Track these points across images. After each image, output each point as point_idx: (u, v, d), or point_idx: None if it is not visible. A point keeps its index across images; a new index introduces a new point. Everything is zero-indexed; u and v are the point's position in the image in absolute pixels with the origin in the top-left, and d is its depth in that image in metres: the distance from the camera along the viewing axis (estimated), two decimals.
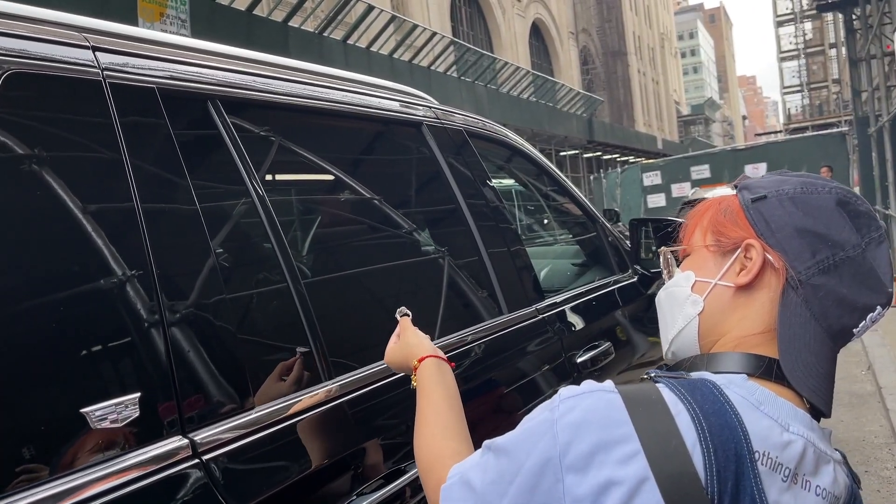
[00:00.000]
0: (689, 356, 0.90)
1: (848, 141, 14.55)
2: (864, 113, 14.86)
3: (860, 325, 0.83)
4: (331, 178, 1.68)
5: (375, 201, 1.74)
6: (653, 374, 0.82)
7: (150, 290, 1.00)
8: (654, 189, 16.12)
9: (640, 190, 16.45)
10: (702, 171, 15.43)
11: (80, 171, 1.01)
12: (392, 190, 1.83)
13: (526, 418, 0.82)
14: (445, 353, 1.54)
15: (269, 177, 1.44)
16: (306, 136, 1.60)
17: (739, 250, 0.86)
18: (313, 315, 1.27)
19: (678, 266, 0.96)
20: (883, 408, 4.93)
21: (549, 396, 0.82)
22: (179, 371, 0.99)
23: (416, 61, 18.19)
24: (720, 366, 0.83)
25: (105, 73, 1.10)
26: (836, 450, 0.86)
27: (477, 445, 0.88)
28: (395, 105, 1.84)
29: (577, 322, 2.22)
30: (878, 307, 0.83)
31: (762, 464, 0.73)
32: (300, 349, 1.23)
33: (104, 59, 1.11)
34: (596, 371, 2.08)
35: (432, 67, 18.95)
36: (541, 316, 1.98)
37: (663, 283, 0.97)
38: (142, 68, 1.17)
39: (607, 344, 2.18)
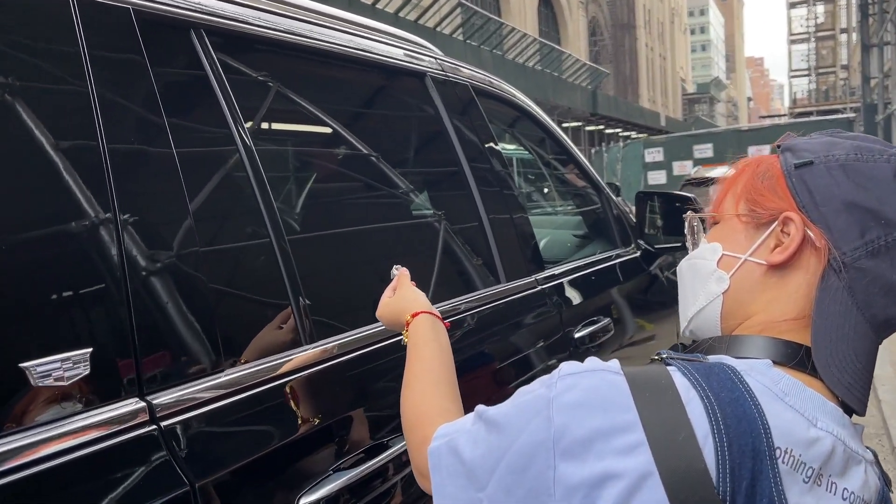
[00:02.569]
0: (709, 337, 0.80)
1: (853, 127, 14.42)
2: (872, 100, 14.69)
3: None
4: (324, 127, 1.55)
5: (370, 156, 1.62)
6: (664, 356, 0.71)
7: (110, 233, 0.88)
8: (656, 166, 16.00)
9: (641, 166, 16.33)
10: (705, 150, 15.31)
11: (39, 102, 0.89)
12: (389, 144, 1.70)
13: (521, 390, 0.73)
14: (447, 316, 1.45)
15: (254, 121, 1.32)
16: (299, 79, 1.47)
17: (776, 223, 0.75)
18: (296, 273, 1.16)
19: (705, 234, 0.85)
20: (875, 398, 4.88)
21: (544, 372, 0.72)
22: (140, 325, 0.88)
23: (421, 22, 17.84)
24: (743, 350, 0.73)
25: None
26: (868, 448, 0.76)
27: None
28: (399, 52, 1.71)
29: (577, 296, 2.12)
30: None
31: (783, 462, 0.63)
32: (281, 308, 1.13)
33: None
34: (594, 347, 1.98)
35: (438, 29, 18.61)
36: (540, 287, 1.87)
37: (686, 255, 0.87)
38: None
39: (606, 320, 2.08)
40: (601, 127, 33.39)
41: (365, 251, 1.48)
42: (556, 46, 28.50)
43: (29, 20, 0.91)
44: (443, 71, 1.86)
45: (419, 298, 1.10)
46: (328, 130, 1.56)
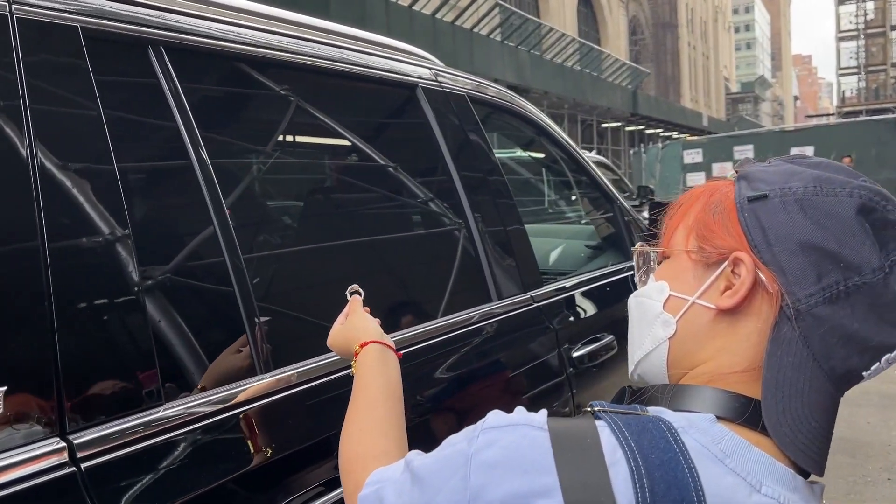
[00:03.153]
0: (651, 385, 0.73)
1: None
2: None
3: (872, 368, 0.65)
4: (302, 139, 1.51)
5: (354, 169, 1.58)
6: (596, 408, 0.65)
7: (34, 256, 0.85)
8: (695, 167, 15.68)
9: (679, 167, 16.03)
10: (745, 151, 14.95)
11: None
12: (373, 157, 1.65)
13: (448, 440, 0.68)
14: (421, 341, 1.40)
15: (219, 135, 1.28)
16: (277, 96, 1.43)
17: (726, 264, 0.68)
18: (252, 295, 1.12)
19: (655, 269, 0.79)
20: None
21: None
22: (64, 358, 0.84)
23: (458, 23, 17.79)
24: (686, 402, 0.66)
25: (14, 6, 0.94)
26: None
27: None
28: (386, 63, 1.66)
29: (579, 311, 2.05)
30: None
31: None
32: (234, 334, 1.08)
33: None
34: (594, 367, 1.91)
35: (475, 30, 18.54)
36: (535, 304, 1.80)
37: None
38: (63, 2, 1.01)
39: (610, 337, 2.00)
40: (641, 127, 32.95)
41: (337, 271, 1.43)
42: (596, 46, 28.22)
43: None
44: (436, 81, 1.80)
45: (369, 326, 1.05)
46: (307, 143, 1.53)
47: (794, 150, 13.72)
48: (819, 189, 0.66)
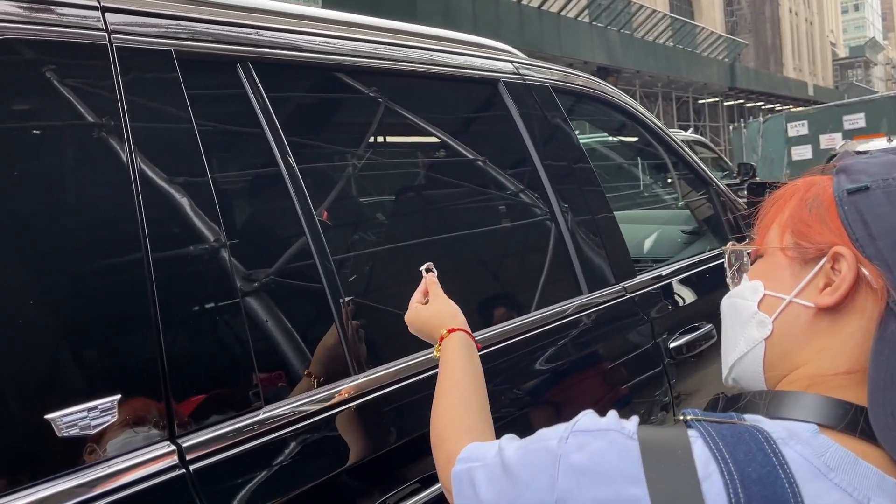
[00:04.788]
0: (754, 388, 0.71)
1: None
2: None
3: None
4: (388, 144, 1.54)
5: (438, 167, 1.59)
6: (689, 416, 0.63)
7: (139, 267, 0.90)
8: (800, 140, 14.87)
9: (783, 141, 15.25)
10: (856, 120, 14.06)
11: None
12: (460, 155, 1.67)
13: (539, 434, 0.68)
14: (510, 337, 1.41)
15: (310, 142, 1.32)
16: (360, 101, 1.47)
17: (825, 259, 0.66)
18: (342, 294, 1.15)
19: (749, 268, 0.76)
20: None
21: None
22: (171, 365, 0.89)
23: (545, 7, 17.55)
24: (785, 409, 0.64)
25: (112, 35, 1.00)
26: None
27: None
28: (465, 60, 1.66)
29: (676, 300, 2.00)
30: None
31: None
32: (325, 336, 1.12)
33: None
34: (692, 358, 1.86)
35: (562, 13, 18.23)
36: (629, 295, 1.77)
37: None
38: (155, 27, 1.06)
39: (709, 326, 1.94)
40: (741, 101, 31.58)
41: (434, 261, 1.45)
42: (689, 20, 27.22)
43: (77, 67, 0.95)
44: (518, 74, 1.80)
45: (457, 314, 1.06)
46: (395, 143, 1.55)
47: None
48: None
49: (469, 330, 1.03)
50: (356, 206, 1.64)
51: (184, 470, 0.86)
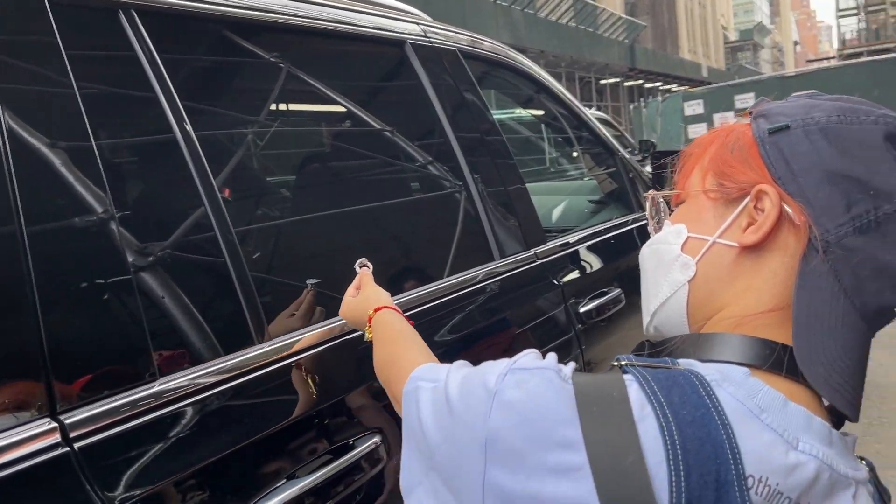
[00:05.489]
0: (676, 335, 0.69)
1: None
2: None
3: None
4: (288, 106, 1.47)
5: (343, 132, 1.53)
6: (624, 361, 0.62)
7: (12, 242, 0.81)
8: (696, 119, 15.47)
9: (680, 119, 15.84)
10: (746, 99, 14.72)
11: None
12: (364, 118, 1.61)
13: (484, 366, 0.66)
14: (426, 302, 1.38)
15: (205, 104, 1.24)
16: (261, 60, 1.38)
17: (748, 199, 0.65)
18: (245, 266, 1.08)
19: (669, 216, 0.75)
20: None
21: (548, 351, 0.65)
22: (50, 340, 0.81)
23: None
24: (714, 351, 0.63)
25: None
26: (862, 459, 0.66)
27: None
28: (371, 20, 1.60)
29: (585, 266, 2.01)
30: None
31: (756, 493, 0.53)
32: (230, 307, 1.05)
33: None
34: (602, 322, 1.88)
35: None
36: (540, 261, 1.77)
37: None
38: None
39: (617, 291, 1.97)
40: (640, 81, 32.59)
41: (336, 237, 1.39)
42: (590, 1, 27.78)
43: None
44: (426, 37, 1.75)
45: (383, 297, 1.08)
46: (296, 109, 1.48)
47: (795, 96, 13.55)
48: (843, 118, 0.64)
49: (398, 309, 1.05)
50: (256, 176, 1.56)
51: (67, 448, 0.78)
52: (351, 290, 1.17)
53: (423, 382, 0.71)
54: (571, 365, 0.62)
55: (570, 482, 0.54)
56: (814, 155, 0.63)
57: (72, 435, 0.80)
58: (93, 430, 0.82)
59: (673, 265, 0.70)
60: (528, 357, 0.63)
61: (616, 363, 0.62)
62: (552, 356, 0.63)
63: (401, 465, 0.70)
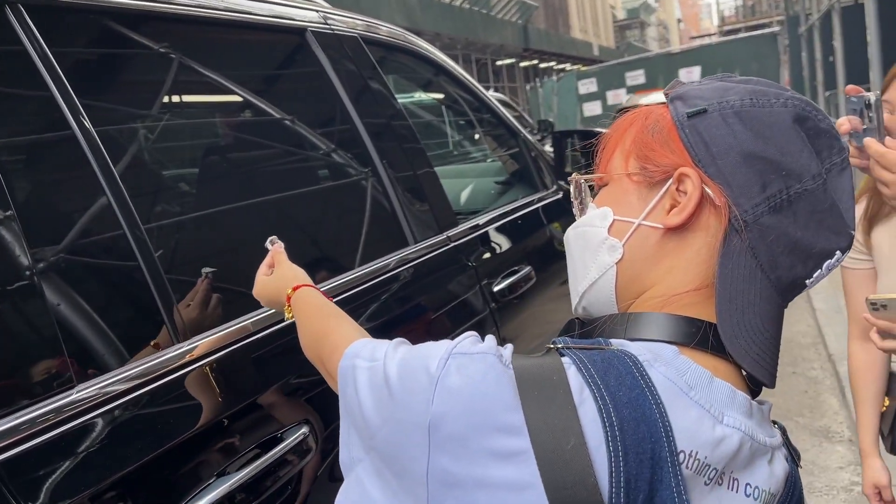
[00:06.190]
0: (604, 314, 0.71)
1: (779, 41, 14.53)
2: (794, 12, 14.83)
3: (814, 276, 0.67)
4: (187, 99, 1.43)
5: (245, 123, 1.50)
6: (560, 345, 0.63)
7: None
8: (590, 97, 15.94)
9: (576, 98, 16.26)
10: (636, 76, 15.29)
11: None
12: (266, 109, 1.59)
13: (423, 347, 0.64)
14: (342, 292, 1.38)
15: (100, 99, 1.19)
16: (159, 51, 1.34)
17: (671, 181, 0.67)
18: (157, 261, 1.06)
19: (593, 199, 0.77)
20: (810, 308, 5.01)
21: (465, 331, 0.64)
22: None
23: None
24: (643, 330, 0.65)
25: None
26: (776, 424, 0.71)
27: None
28: (268, 8, 1.58)
29: (496, 246, 2.06)
30: (838, 252, 0.67)
31: (686, 466, 0.56)
32: (145, 307, 1.03)
33: None
34: (515, 299, 1.93)
35: None
36: (453, 244, 1.80)
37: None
38: None
39: (528, 269, 2.02)
40: (535, 62, 33.11)
41: (249, 231, 1.37)
42: None
43: None
44: (326, 24, 1.73)
45: (300, 275, 1.05)
46: (195, 102, 1.44)
47: (682, 72, 14.12)
48: (755, 101, 0.66)
49: (317, 287, 1.02)
50: (158, 172, 1.51)
51: None
52: (263, 268, 1.13)
53: (359, 360, 0.70)
54: (510, 347, 0.63)
55: (513, 466, 0.55)
56: (730, 137, 0.65)
57: None
58: (12, 442, 0.78)
59: (600, 248, 0.71)
60: (468, 341, 0.63)
61: (552, 346, 0.63)
62: (491, 339, 0.63)
63: (339, 442, 0.69)
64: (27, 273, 0.88)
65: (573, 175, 0.81)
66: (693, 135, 0.66)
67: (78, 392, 0.88)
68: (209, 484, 0.96)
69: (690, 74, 13.94)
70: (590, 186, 0.79)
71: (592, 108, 15.87)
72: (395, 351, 0.68)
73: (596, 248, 0.72)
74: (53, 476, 0.81)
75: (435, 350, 0.63)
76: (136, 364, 0.98)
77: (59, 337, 0.88)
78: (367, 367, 0.68)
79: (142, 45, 1.31)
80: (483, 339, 0.64)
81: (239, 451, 1.03)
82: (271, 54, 1.68)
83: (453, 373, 0.59)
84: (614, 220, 0.71)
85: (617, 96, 15.43)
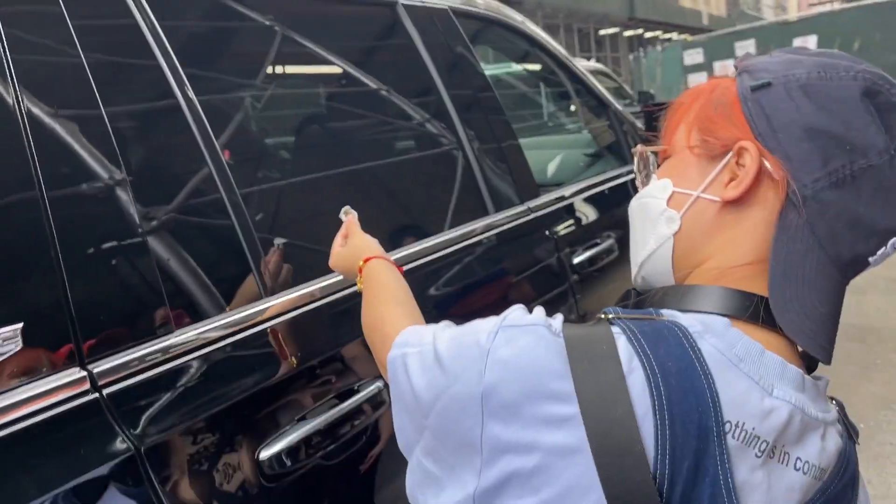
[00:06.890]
0: (661, 287, 0.73)
1: None
2: None
3: (878, 253, 0.65)
4: (286, 70, 1.51)
5: (337, 93, 1.58)
6: (611, 315, 0.64)
7: (34, 204, 0.88)
8: (696, 68, 15.33)
9: (680, 69, 15.68)
10: (747, 46, 14.57)
11: None
12: (359, 79, 1.65)
13: (472, 325, 0.68)
14: (422, 256, 1.44)
15: (201, 66, 1.28)
16: (256, 25, 1.42)
17: (731, 154, 0.68)
18: (251, 224, 1.15)
19: (656, 170, 0.78)
20: None
21: (543, 303, 0.69)
22: (75, 296, 0.88)
23: None
24: (696, 302, 0.66)
25: None
26: (833, 400, 0.71)
27: None
28: None
29: (578, 218, 2.07)
30: None
31: (734, 437, 0.57)
32: (236, 264, 1.12)
33: None
34: (596, 272, 1.95)
35: None
36: (533, 215, 1.83)
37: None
38: None
39: (610, 241, 2.03)
40: (640, 31, 32.14)
41: (339, 198, 1.45)
42: None
43: None
44: None
45: (371, 245, 1.07)
46: (293, 73, 1.52)
47: (797, 41, 13.37)
48: (823, 74, 0.65)
49: (388, 257, 1.05)
50: (257, 138, 1.61)
51: (97, 394, 0.86)
52: (338, 239, 1.15)
53: (408, 348, 0.72)
54: (559, 317, 0.65)
55: (563, 431, 0.57)
56: (793, 111, 0.64)
57: (100, 382, 0.87)
58: (119, 377, 0.89)
59: (659, 219, 0.72)
60: (517, 313, 0.65)
61: (603, 315, 0.65)
62: (539, 310, 0.66)
63: (395, 428, 0.73)
64: (139, 231, 0.98)
65: (637, 146, 0.82)
66: (755, 108, 0.66)
67: (177, 336, 0.98)
68: (288, 428, 1.04)
69: (806, 44, 13.20)
70: (656, 161, 0.80)
71: (698, 79, 15.24)
72: (444, 332, 0.70)
73: (655, 219, 0.73)
74: (151, 409, 0.91)
75: (484, 325, 0.66)
76: (227, 314, 1.07)
77: (163, 289, 0.98)
78: (416, 352, 0.71)
79: (241, 17, 1.39)
80: (532, 312, 0.65)
81: (318, 400, 1.11)
82: (364, 27, 1.74)
83: (503, 344, 0.61)
84: (674, 191, 0.72)
85: (724, 67, 14.76)
